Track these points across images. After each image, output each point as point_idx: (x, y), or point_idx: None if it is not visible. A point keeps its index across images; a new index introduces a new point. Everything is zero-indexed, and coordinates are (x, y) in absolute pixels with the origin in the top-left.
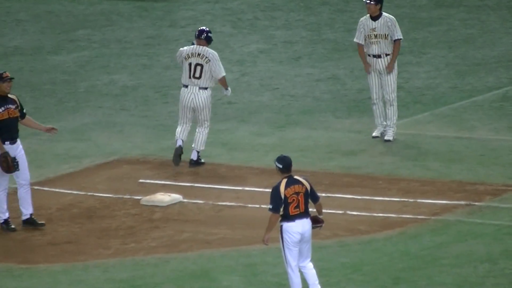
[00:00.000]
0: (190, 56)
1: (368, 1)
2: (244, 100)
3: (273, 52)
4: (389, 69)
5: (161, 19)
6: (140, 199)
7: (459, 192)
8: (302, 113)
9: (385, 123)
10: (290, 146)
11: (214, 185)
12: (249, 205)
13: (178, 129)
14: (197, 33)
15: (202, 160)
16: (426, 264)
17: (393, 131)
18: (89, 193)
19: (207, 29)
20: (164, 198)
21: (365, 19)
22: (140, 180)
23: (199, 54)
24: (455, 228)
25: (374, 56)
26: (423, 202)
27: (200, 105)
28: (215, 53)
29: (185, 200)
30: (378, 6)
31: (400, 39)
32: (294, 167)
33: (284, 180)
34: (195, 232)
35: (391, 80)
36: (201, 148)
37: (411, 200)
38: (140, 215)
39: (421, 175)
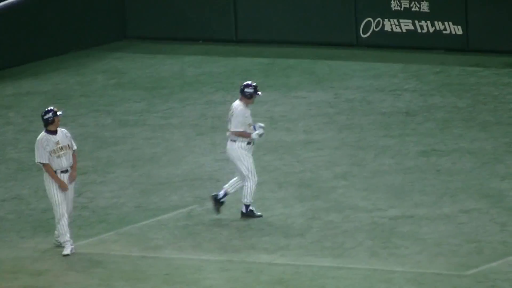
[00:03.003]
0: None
1: None
2: None
3: None
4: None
5: None
6: None
7: None
8: None
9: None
10: None
11: None
12: None
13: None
14: None
15: (257, 213)
16: None
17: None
18: None
19: (245, 83)
20: None
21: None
22: None
23: (230, 108)
24: None
25: (62, 171)
26: None
27: (229, 157)
28: (239, 108)
29: None
30: None
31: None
32: None
33: None
34: None
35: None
36: (247, 201)
37: None
38: None
39: None
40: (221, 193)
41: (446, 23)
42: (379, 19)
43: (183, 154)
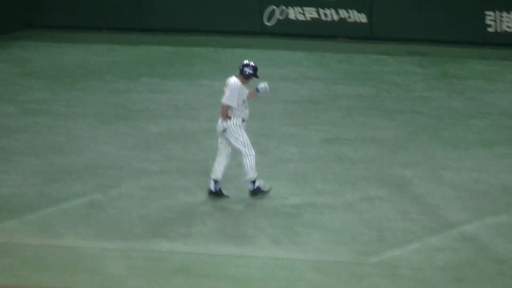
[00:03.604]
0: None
1: None
2: None
3: None
4: None
5: None
6: None
7: None
8: None
9: None
10: None
11: None
12: None
13: None
14: None
15: (265, 188)
16: None
17: None
18: None
19: (244, 62)
20: None
21: None
22: None
23: (226, 84)
24: None
25: None
26: None
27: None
28: (235, 83)
29: None
30: None
31: None
32: None
33: None
34: None
35: None
36: (252, 176)
37: None
38: None
39: (6, 283)
40: (212, 185)
41: (350, 11)
42: (283, 7)
43: (86, 142)
